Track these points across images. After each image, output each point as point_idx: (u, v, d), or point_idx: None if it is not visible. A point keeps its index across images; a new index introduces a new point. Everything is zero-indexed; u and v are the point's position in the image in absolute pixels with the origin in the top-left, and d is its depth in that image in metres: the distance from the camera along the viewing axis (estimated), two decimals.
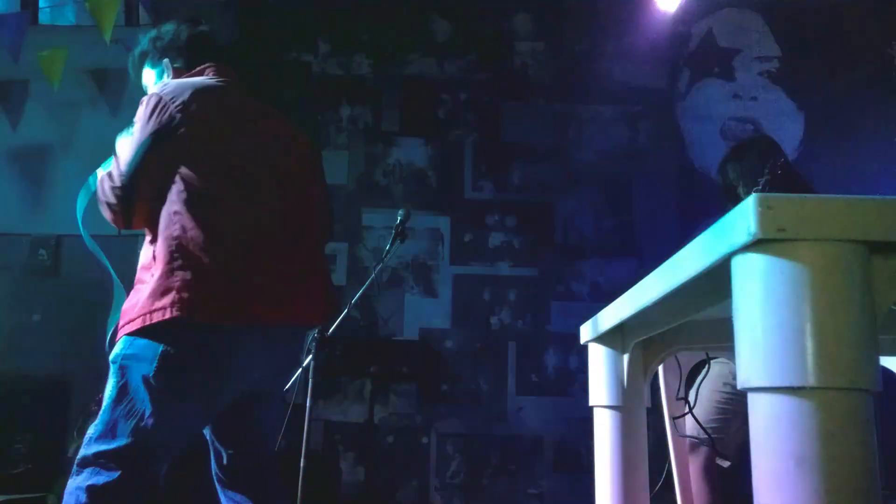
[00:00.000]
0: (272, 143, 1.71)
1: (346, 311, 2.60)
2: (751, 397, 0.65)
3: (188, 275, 1.42)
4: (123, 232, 1.81)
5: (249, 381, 1.55)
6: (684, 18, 4.20)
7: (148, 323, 1.42)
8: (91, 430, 1.46)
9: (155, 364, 1.42)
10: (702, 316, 1.01)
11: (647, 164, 4.12)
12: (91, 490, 1.42)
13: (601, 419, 1.34)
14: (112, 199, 1.56)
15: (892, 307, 0.64)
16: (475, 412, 3.88)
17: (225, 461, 1.66)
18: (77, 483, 1.45)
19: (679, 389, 1.75)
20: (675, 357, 1.69)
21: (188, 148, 1.51)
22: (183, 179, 1.50)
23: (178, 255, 1.44)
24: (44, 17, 4.48)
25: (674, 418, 1.88)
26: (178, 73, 1.75)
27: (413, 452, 3.85)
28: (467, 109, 4.23)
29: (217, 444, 1.67)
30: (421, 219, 4.01)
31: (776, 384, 0.62)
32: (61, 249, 4.14)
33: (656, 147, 4.14)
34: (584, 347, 1.46)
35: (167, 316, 1.40)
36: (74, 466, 1.47)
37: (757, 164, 2.33)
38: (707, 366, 1.70)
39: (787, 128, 4.03)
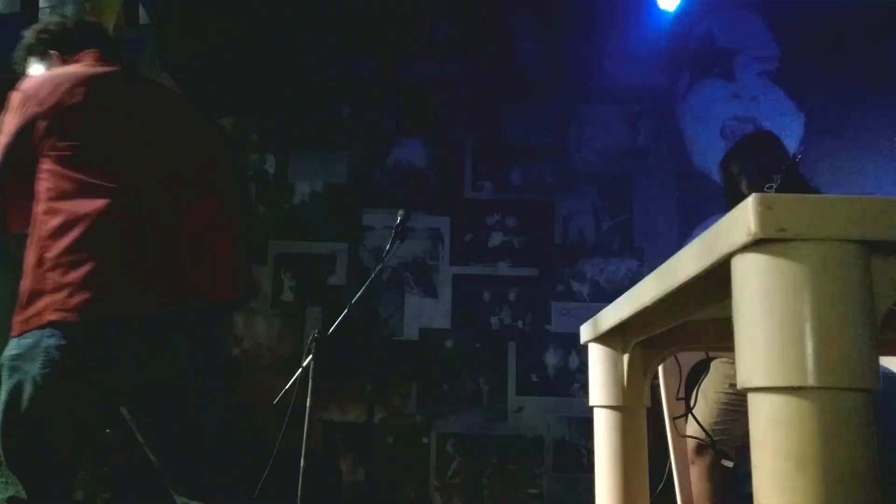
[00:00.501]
0: (148, 131, 1.64)
1: (346, 311, 2.60)
2: (751, 397, 0.65)
3: (59, 276, 1.44)
4: None
5: (131, 374, 1.53)
6: (684, 18, 4.20)
7: (27, 328, 1.44)
8: None
9: (39, 364, 1.42)
10: (702, 316, 1.01)
11: (647, 164, 4.12)
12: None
13: (601, 419, 1.33)
14: None
15: (893, 307, 0.64)
16: (475, 412, 3.89)
17: (159, 467, 1.66)
18: None
19: (679, 389, 1.75)
20: (675, 357, 1.69)
21: (51, 143, 1.49)
22: (49, 176, 1.49)
23: (49, 256, 1.45)
24: (44, 17, 4.48)
25: (674, 418, 1.88)
26: (60, 63, 1.70)
27: (413, 452, 3.85)
28: (467, 109, 4.23)
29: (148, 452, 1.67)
30: (421, 219, 4.01)
31: (776, 384, 0.62)
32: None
33: (656, 147, 4.14)
34: (584, 347, 1.46)
35: (43, 321, 1.42)
36: None
37: (761, 160, 2.33)
38: (709, 365, 1.70)
39: (787, 128, 4.03)
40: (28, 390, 1.43)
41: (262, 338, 4.02)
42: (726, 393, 2.27)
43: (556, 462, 3.82)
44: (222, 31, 3.44)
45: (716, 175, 2.53)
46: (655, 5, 4.00)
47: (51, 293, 1.43)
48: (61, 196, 1.47)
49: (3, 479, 1.46)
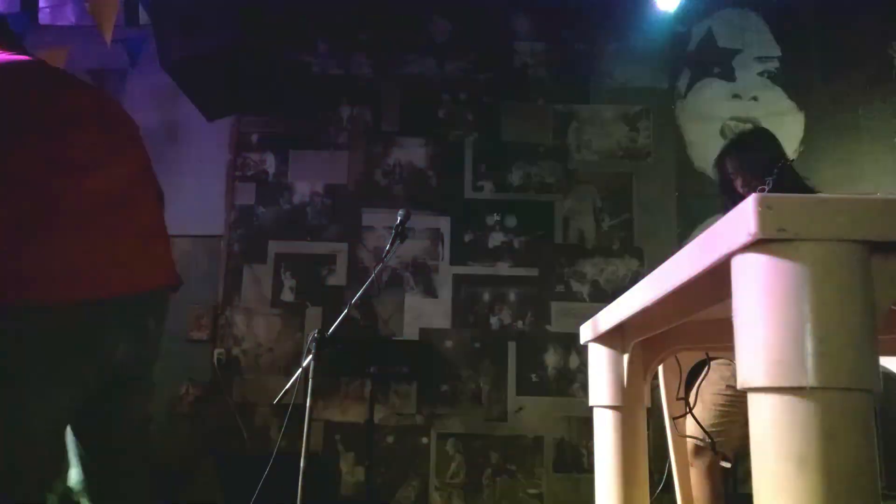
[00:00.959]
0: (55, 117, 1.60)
1: (346, 311, 2.60)
2: (751, 397, 0.65)
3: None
4: None
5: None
6: (684, 18, 4.20)
7: None
8: None
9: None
10: (702, 316, 1.01)
11: (647, 164, 4.13)
12: None
13: (601, 419, 1.33)
14: None
15: (893, 307, 0.64)
16: (475, 412, 3.89)
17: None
18: None
19: (679, 389, 1.75)
20: (675, 357, 1.69)
21: None
22: None
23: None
24: (44, 18, 4.48)
25: (674, 418, 1.88)
26: None
27: (413, 452, 3.85)
28: (467, 109, 4.23)
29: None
30: (421, 219, 4.01)
31: (776, 384, 0.62)
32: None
33: (656, 147, 4.14)
34: (584, 347, 1.46)
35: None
36: None
37: (756, 158, 2.32)
38: (707, 366, 1.70)
39: (787, 128, 4.03)
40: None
41: (262, 338, 4.02)
42: (723, 395, 2.27)
43: (556, 462, 3.82)
44: (222, 30, 3.43)
45: (713, 168, 2.52)
46: (655, 5, 4.00)
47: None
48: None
49: None
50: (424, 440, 3.87)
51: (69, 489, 1.61)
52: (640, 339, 1.25)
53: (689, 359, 1.79)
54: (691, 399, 1.73)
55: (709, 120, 4.14)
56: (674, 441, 1.97)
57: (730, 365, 2.27)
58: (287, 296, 4.06)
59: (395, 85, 4.28)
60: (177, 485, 3.65)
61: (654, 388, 1.84)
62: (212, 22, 3.44)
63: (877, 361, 0.62)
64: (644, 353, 1.31)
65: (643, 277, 0.97)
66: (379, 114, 4.25)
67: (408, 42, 4.31)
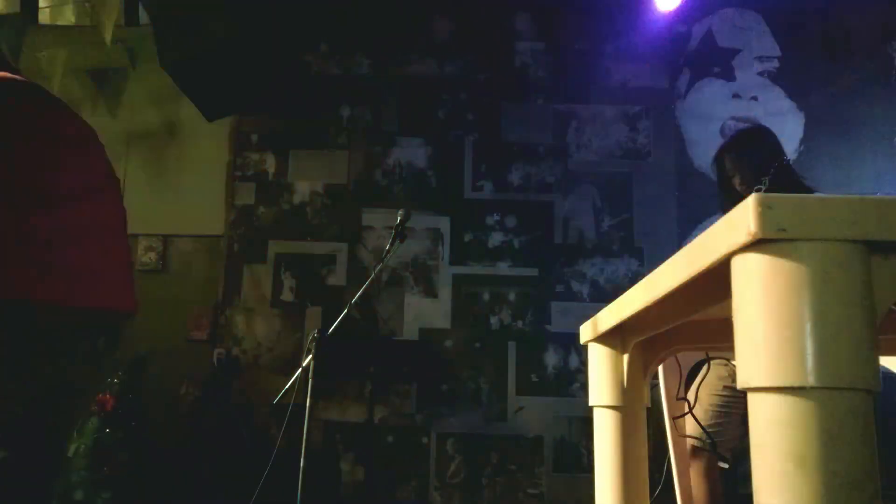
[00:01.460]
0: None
1: (346, 311, 2.60)
2: (751, 397, 0.65)
3: None
4: None
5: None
6: (684, 18, 4.20)
7: None
8: None
9: None
10: (702, 316, 1.01)
11: (647, 164, 4.13)
12: None
13: (601, 419, 1.33)
14: None
15: (893, 307, 0.64)
16: (475, 412, 3.89)
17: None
18: None
19: (679, 389, 1.75)
20: (675, 357, 1.69)
21: None
22: None
23: None
24: (44, 17, 4.48)
25: (674, 418, 1.88)
26: None
27: (413, 452, 3.85)
28: (467, 109, 4.23)
29: None
30: (421, 219, 4.01)
31: (776, 384, 0.62)
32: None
33: (656, 147, 4.14)
34: (584, 347, 1.46)
35: None
36: None
37: (755, 156, 2.32)
38: (707, 366, 1.70)
39: (787, 128, 4.03)
40: None
41: (262, 338, 4.02)
42: (720, 395, 2.27)
43: (556, 462, 3.82)
44: (222, 31, 3.44)
45: (711, 166, 2.51)
46: (655, 5, 4.00)
47: None
48: None
49: None
50: (424, 440, 3.87)
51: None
52: (640, 339, 1.25)
53: (689, 359, 1.79)
54: (690, 399, 1.73)
55: (709, 120, 4.14)
56: (674, 441, 1.97)
57: (727, 365, 2.27)
58: (287, 296, 4.06)
59: (395, 85, 4.28)
60: (177, 485, 3.65)
61: (654, 388, 1.84)
62: (212, 22, 3.44)
63: (877, 361, 0.62)
64: (644, 353, 1.31)
65: (643, 277, 0.97)
66: (379, 114, 4.25)
67: (408, 42, 4.31)
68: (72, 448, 3.35)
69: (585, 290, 4.00)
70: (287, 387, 2.60)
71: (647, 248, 4.02)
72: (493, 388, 3.91)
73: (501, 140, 4.18)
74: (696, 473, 2.19)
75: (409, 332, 3.99)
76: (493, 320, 3.98)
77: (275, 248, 4.12)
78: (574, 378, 3.89)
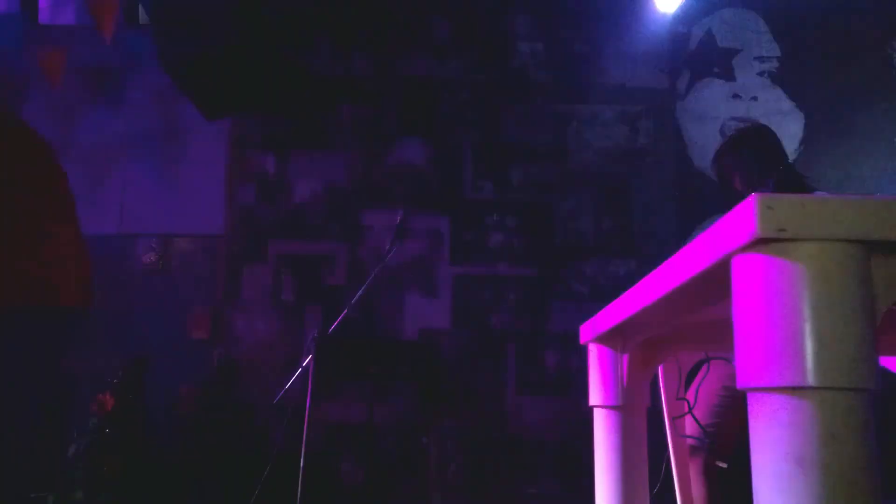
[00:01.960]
0: None
1: (346, 311, 2.60)
2: (751, 397, 0.65)
3: None
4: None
5: None
6: (684, 18, 4.20)
7: None
8: None
9: None
10: (702, 316, 1.01)
11: (647, 164, 4.12)
12: None
13: (601, 419, 1.33)
14: None
15: (893, 307, 0.64)
16: (475, 412, 3.88)
17: None
18: None
19: (679, 389, 1.75)
20: (675, 357, 1.69)
21: None
22: None
23: None
24: (44, 18, 4.48)
25: (674, 418, 1.88)
26: None
27: (413, 452, 3.85)
28: (467, 109, 4.23)
29: None
30: (421, 219, 4.01)
31: (776, 384, 0.62)
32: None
33: (656, 147, 4.14)
34: (584, 347, 1.46)
35: None
36: None
37: (754, 155, 2.32)
38: (707, 366, 1.70)
39: (787, 128, 4.03)
40: None
41: (262, 338, 4.02)
42: (719, 395, 2.27)
43: (556, 462, 3.82)
44: (222, 31, 3.43)
45: (711, 165, 2.51)
46: (655, 6, 4.00)
47: None
48: None
49: None
50: (424, 440, 3.87)
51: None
52: (640, 339, 1.25)
53: (689, 359, 1.79)
54: (690, 399, 1.73)
55: (709, 120, 4.14)
56: (674, 441, 1.97)
57: (727, 365, 2.27)
58: (287, 296, 4.06)
59: (395, 85, 4.27)
60: (177, 485, 3.65)
61: (654, 388, 1.84)
62: (212, 22, 3.44)
63: (877, 361, 0.62)
64: (644, 353, 1.31)
65: (643, 277, 0.97)
66: (379, 114, 4.25)
67: (408, 42, 4.31)
68: (71, 448, 3.35)
69: (585, 290, 4.00)
70: (287, 387, 2.60)
71: (647, 248, 4.02)
72: (493, 389, 3.91)
73: (501, 140, 4.18)
74: (694, 473, 2.19)
75: (409, 332, 3.98)
76: (493, 320, 3.98)
77: (275, 248, 4.12)
78: (574, 378, 3.89)
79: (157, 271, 4.18)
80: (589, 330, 1.38)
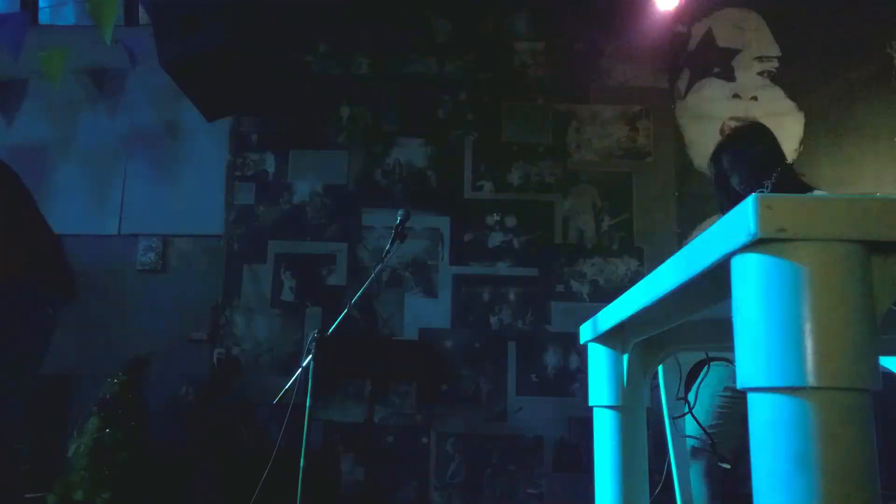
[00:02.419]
0: None
1: (346, 311, 2.60)
2: (751, 397, 0.65)
3: None
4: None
5: None
6: (684, 18, 4.19)
7: None
8: None
9: None
10: (702, 316, 1.01)
11: (647, 164, 4.12)
12: None
13: (601, 419, 1.33)
14: None
15: (893, 307, 0.64)
16: (475, 412, 3.88)
17: None
18: None
19: (679, 389, 1.75)
20: (675, 357, 1.69)
21: None
22: None
23: None
24: (44, 17, 4.48)
25: (674, 418, 1.88)
26: None
27: (413, 452, 3.85)
28: (467, 109, 4.23)
29: None
30: (421, 219, 4.01)
31: (776, 384, 0.62)
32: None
33: (656, 147, 4.14)
34: (584, 347, 1.46)
35: None
36: None
37: (752, 154, 2.31)
38: (707, 366, 1.70)
39: (787, 128, 4.03)
40: None
41: (262, 338, 4.02)
42: (719, 395, 2.27)
43: (556, 462, 3.82)
44: (222, 31, 3.43)
45: (708, 164, 2.50)
46: (655, 5, 4.00)
47: None
48: None
49: None
50: (424, 440, 3.87)
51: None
52: (640, 339, 1.25)
53: (689, 359, 1.78)
54: (690, 399, 1.73)
55: (709, 120, 4.13)
56: (674, 441, 1.97)
57: (727, 365, 2.27)
58: (287, 296, 4.06)
59: (395, 85, 4.27)
60: (177, 485, 3.65)
61: (654, 388, 1.84)
62: (212, 22, 3.44)
63: (877, 361, 0.62)
64: (644, 353, 1.31)
65: (643, 277, 0.97)
66: (379, 114, 4.25)
67: (408, 42, 4.31)
68: (72, 448, 3.35)
69: (585, 290, 4.00)
70: (287, 387, 2.59)
71: (647, 248, 4.02)
72: (493, 388, 3.91)
73: (501, 140, 4.18)
74: (696, 473, 2.19)
75: (409, 332, 3.98)
76: (493, 320, 3.98)
77: (275, 248, 4.12)
78: (574, 378, 3.89)
79: (157, 271, 4.18)
80: (589, 330, 1.38)
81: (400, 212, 2.69)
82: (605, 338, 1.32)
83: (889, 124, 4.00)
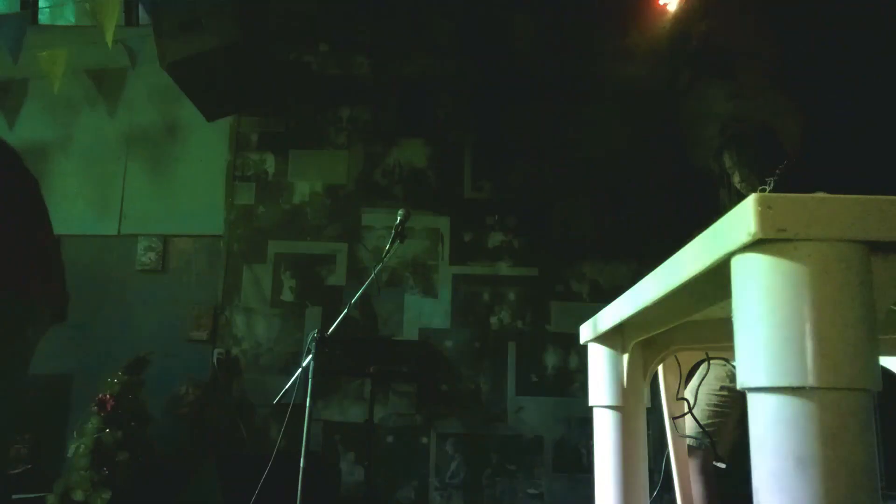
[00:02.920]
0: None
1: (346, 311, 2.60)
2: (751, 397, 0.65)
3: None
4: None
5: None
6: (684, 18, 4.19)
7: None
8: None
9: None
10: (702, 316, 1.01)
11: (647, 164, 4.12)
12: None
13: (601, 419, 1.33)
14: None
15: (893, 307, 0.64)
16: (475, 412, 3.88)
17: None
18: None
19: (679, 389, 1.75)
20: (675, 357, 1.69)
21: None
22: None
23: None
24: (44, 17, 4.48)
25: (674, 418, 1.88)
26: None
27: (413, 452, 3.85)
28: (467, 109, 4.23)
29: None
30: (421, 219, 4.01)
31: (776, 384, 0.62)
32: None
33: (656, 147, 4.14)
34: (584, 347, 1.46)
35: None
36: None
37: (754, 154, 2.32)
38: (707, 366, 1.70)
39: (787, 128, 4.02)
40: None
41: (262, 338, 4.02)
42: (717, 395, 2.27)
43: (556, 462, 3.82)
44: (222, 30, 3.43)
45: (710, 163, 2.51)
46: (656, 5, 4.00)
47: None
48: None
49: None
50: (424, 440, 3.87)
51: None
52: (640, 339, 1.25)
53: (689, 359, 1.78)
54: (689, 398, 1.73)
55: (709, 120, 4.13)
56: (674, 441, 1.97)
57: (724, 365, 2.27)
58: (287, 296, 4.06)
59: (395, 85, 4.27)
60: (177, 485, 3.65)
61: (654, 388, 1.84)
62: (212, 22, 3.44)
63: (877, 361, 0.62)
64: (644, 353, 1.30)
65: (643, 277, 0.97)
66: (379, 114, 4.25)
67: (408, 42, 4.31)
68: (72, 448, 3.35)
69: (585, 290, 3.99)
70: (287, 387, 2.59)
71: (647, 248, 4.01)
72: (493, 388, 3.91)
73: (501, 140, 4.18)
74: (692, 472, 2.19)
75: (409, 332, 3.98)
76: (493, 320, 3.98)
77: (275, 248, 4.12)
78: (574, 378, 3.89)
79: (156, 271, 4.18)
80: (589, 330, 1.38)
81: (400, 212, 2.69)
82: (605, 338, 1.32)
83: (889, 124, 4.00)
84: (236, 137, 4.26)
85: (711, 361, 1.92)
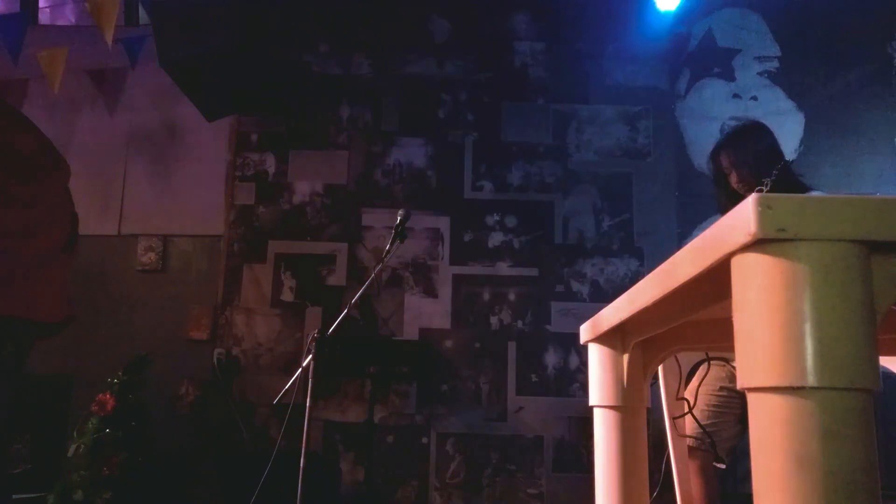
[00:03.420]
0: None
1: (345, 311, 2.60)
2: (751, 397, 0.65)
3: None
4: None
5: None
6: (684, 18, 4.20)
7: None
8: None
9: None
10: (702, 316, 1.01)
11: (647, 164, 4.12)
12: None
13: (601, 419, 1.33)
14: None
15: (893, 307, 0.64)
16: (475, 412, 3.88)
17: None
18: None
19: (679, 389, 1.75)
20: (675, 357, 1.69)
21: None
22: None
23: None
24: (44, 17, 4.48)
25: (674, 418, 1.88)
26: None
27: (413, 452, 3.85)
28: (467, 109, 4.23)
29: None
30: (421, 219, 4.01)
31: (776, 384, 0.62)
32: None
33: (656, 147, 4.14)
34: (584, 347, 1.46)
35: None
36: None
37: (752, 153, 2.32)
38: (707, 366, 1.70)
39: (787, 128, 4.03)
40: None
41: (262, 338, 4.02)
42: (716, 395, 2.27)
43: (556, 462, 3.82)
44: (222, 30, 3.43)
45: (707, 162, 2.51)
46: (655, 5, 4.00)
47: None
48: None
49: None
50: (424, 440, 3.87)
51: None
52: (640, 339, 1.25)
53: (689, 359, 1.78)
54: (689, 398, 1.73)
55: (709, 120, 4.14)
56: (674, 441, 1.97)
57: (724, 365, 2.27)
58: (287, 296, 4.06)
59: (395, 85, 4.28)
60: (177, 485, 3.65)
61: (654, 388, 1.84)
62: (212, 22, 3.44)
63: (877, 361, 0.62)
64: (644, 353, 1.30)
65: (643, 277, 0.97)
66: (379, 114, 4.25)
67: (408, 42, 4.31)
68: (72, 448, 3.35)
69: (585, 290, 4.00)
70: (287, 387, 2.59)
71: (647, 248, 4.02)
72: (493, 388, 3.91)
73: (501, 140, 4.18)
74: (692, 472, 2.19)
75: (409, 332, 3.98)
76: (493, 320, 3.98)
77: (275, 248, 4.12)
78: (574, 378, 3.89)
79: (157, 271, 4.18)
80: (589, 330, 1.38)
81: (400, 212, 2.69)
82: (605, 338, 1.32)
83: (889, 124, 4.00)
84: (236, 137, 4.26)
85: (711, 362, 1.92)
